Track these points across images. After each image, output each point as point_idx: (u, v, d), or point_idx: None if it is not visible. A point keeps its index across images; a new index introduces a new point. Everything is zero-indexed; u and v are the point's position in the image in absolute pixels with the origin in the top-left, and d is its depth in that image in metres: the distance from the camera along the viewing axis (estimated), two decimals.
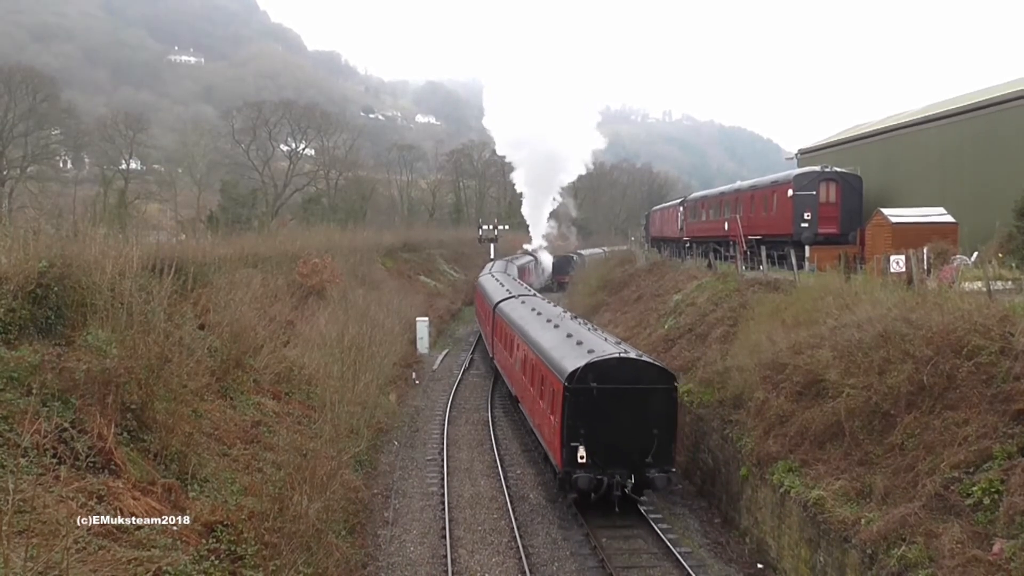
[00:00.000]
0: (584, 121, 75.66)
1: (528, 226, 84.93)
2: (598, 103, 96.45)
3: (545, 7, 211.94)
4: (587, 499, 19.03)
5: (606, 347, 20.45)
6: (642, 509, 19.58)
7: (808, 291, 20.19)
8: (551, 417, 20.18)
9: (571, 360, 19.68)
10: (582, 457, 18.61)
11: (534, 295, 36.11)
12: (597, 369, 18.87)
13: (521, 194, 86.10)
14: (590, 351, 19.95)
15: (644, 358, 20.22)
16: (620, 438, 18.72)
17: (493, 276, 46.22)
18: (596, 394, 18.67)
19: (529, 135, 74.16)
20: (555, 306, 31.15)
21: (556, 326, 24.57)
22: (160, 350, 13.92)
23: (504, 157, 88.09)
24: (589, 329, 24.49)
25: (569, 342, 21.66)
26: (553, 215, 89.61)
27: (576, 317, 27.82)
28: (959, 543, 10.73)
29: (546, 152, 74.01)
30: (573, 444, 18.68)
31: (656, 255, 49.45)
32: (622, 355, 19.63)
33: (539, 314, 27.57)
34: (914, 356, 13.92)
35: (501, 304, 33.02)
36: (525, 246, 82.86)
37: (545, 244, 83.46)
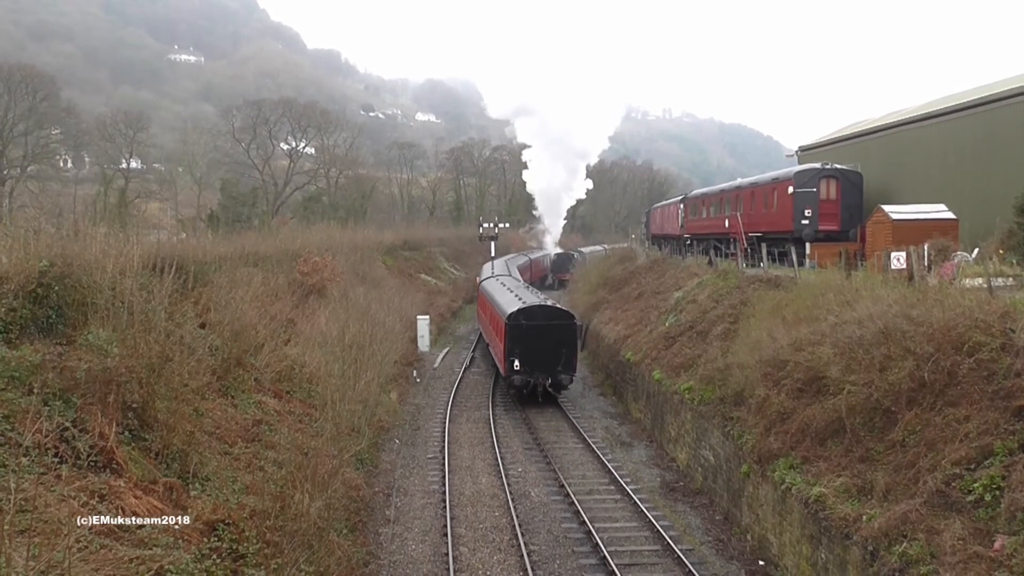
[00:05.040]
0: (601, 107, 75.51)
1: (540, 219, 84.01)
2: (619, 101, 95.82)
3: (545, 7, 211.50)
4: (521, 394, 30.58)
5: (534, 299, 33.20)
6: (561, 404, 30.67)
7: (809, 288, 20.13)
8: (499, 344, 31.53)
9: (511, 307, 31.44)
10: (516, 366, 29.87)
11: (509, 276, 47.63)
12: (526, 312, 30.49)
13: (527, 180, 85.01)
14: (524, 302, 31.89)
15: (557, 305, 32.66)
16: (541, 354, 29.80)
17: (491, 264, 57.19)
18: (525, 327, 29.86)
19: (543, 115, 73.51)
20: (517, 281, 44.67)
21: (510, 291, 36.38)
22: (161, 349, 13.88)
23: (514, 139, 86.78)
24: (530, 292, 37.82)
25: (515, 299, 33.36)
26: (579, 204, 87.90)
27: (529, 287, 42.46)
28: (960, 539, 10.73)
29: (565, 135, 73.29)
30: (511, 358, 29.92)
31: (657, 252, 49.41)
32: (542, 303, 32.03)
33: (503, 285, 39.94)
34: (915, 353, 13.89)
35: (483, 282, 45.44)
36: (538, 237, 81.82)
37: (557, 232, 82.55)
